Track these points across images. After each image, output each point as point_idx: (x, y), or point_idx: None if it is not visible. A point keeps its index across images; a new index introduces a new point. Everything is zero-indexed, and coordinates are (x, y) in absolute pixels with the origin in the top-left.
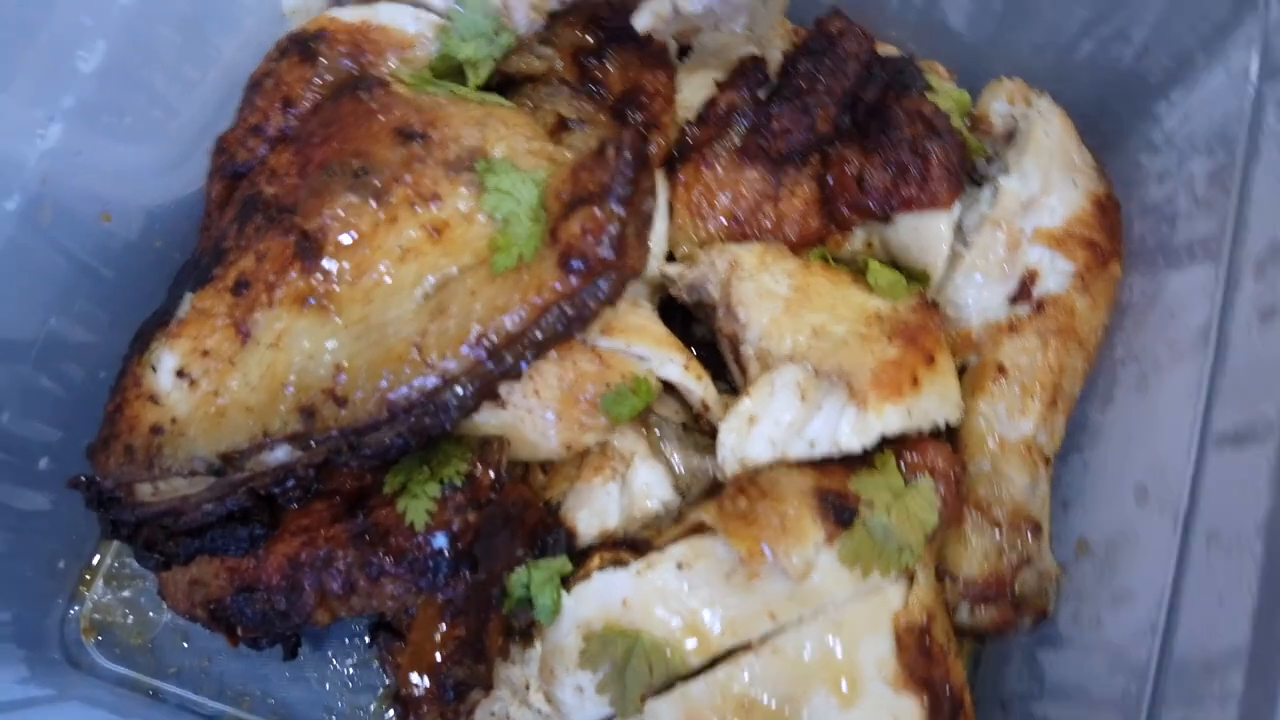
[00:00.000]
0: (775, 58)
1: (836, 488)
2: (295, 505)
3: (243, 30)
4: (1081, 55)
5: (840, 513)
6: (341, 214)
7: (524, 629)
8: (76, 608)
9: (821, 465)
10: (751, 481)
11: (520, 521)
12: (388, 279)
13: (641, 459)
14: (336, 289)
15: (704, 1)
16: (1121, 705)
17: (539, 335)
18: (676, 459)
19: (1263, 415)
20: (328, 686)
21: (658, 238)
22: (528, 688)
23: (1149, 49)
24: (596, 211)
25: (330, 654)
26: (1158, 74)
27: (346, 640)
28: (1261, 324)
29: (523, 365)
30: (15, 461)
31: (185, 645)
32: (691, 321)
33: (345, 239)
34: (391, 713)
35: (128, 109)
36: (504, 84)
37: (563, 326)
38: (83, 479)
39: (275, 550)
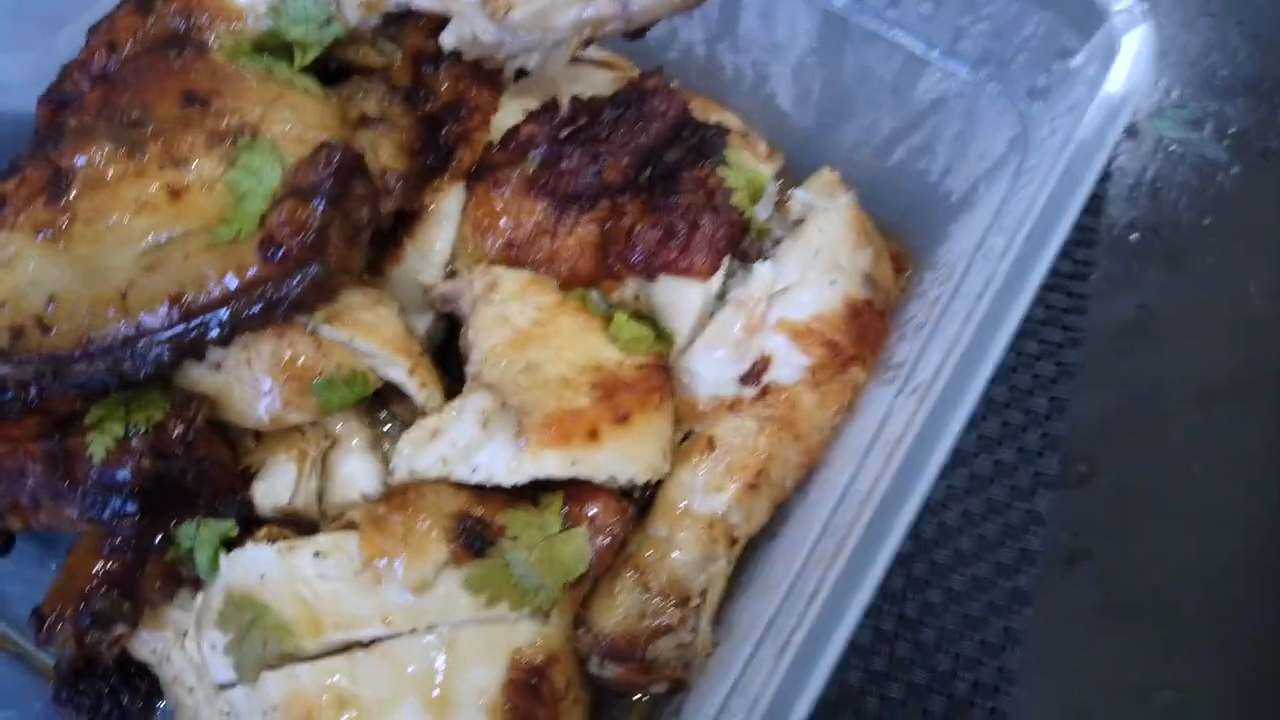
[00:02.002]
0: (563, 102)
1: (483, 515)
2: (12, 416)
3: None
4: (894, 161)
5: (473, 539)
6: (95, 158)
7: (194, 579)
8: None
9: (482, 492)
10: (403, 491)
11: (206, 478)
12: (120, 227)
13: (355, 449)
14: (72, 226)
15: (496, 34)
16: None
17: (236, 310)
18: None
19: None
20: (41, 588)
21: (441, 246)
22: (185, 634)
23: (951, 168)
24: (299, 206)
25: (52, 560)
26: (957, 195)
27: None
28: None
29: (214, 334)
30: None
31: None
32: None
33: (91, 182)
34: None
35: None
36: (343, 71)
37: (260, 308)
38: None
39: None
